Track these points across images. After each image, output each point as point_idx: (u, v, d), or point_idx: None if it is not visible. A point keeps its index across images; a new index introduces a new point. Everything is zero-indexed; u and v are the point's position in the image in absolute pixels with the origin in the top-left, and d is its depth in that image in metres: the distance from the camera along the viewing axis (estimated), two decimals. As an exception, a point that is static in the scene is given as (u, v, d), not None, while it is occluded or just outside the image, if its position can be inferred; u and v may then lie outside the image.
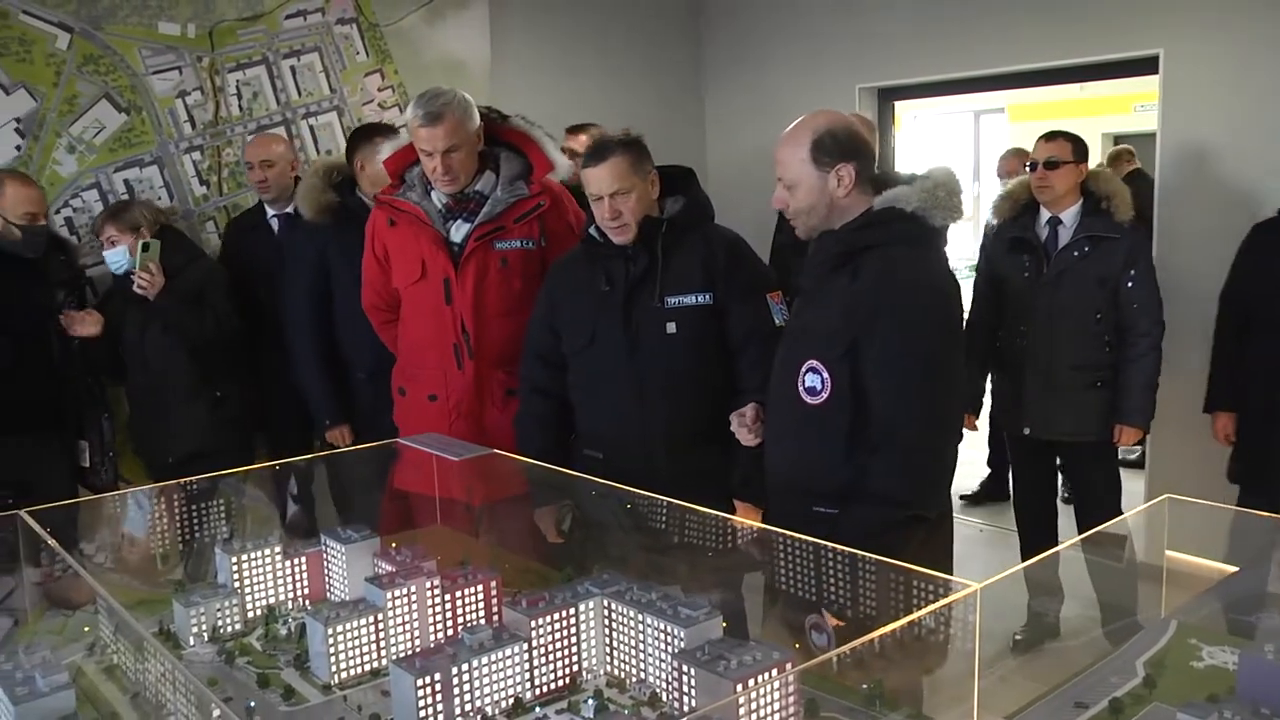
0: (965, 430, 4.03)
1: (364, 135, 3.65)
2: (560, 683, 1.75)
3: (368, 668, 1.80)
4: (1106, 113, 9.57)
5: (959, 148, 11.39)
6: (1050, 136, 3.68)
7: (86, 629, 1.98)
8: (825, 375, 2.19)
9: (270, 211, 4.06)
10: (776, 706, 1.42)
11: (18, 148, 3.86)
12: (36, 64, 3.89)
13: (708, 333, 2.66)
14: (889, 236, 2.19)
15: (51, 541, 1.92)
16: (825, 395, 2.19)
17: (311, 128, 4.53)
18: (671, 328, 2.63)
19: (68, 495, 3.36)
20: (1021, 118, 10.19)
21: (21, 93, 3.87)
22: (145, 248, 3.54)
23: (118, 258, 3.59)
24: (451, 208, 2.99)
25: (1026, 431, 3.76)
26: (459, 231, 2.98)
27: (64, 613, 2.06)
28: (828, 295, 2.24)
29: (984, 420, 4.39)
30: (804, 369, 2.23)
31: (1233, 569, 1.99)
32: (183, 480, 2.46)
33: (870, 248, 2.19)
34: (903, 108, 5.70)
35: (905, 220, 2.20)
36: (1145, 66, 4.40)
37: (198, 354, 3.66)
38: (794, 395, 2.26)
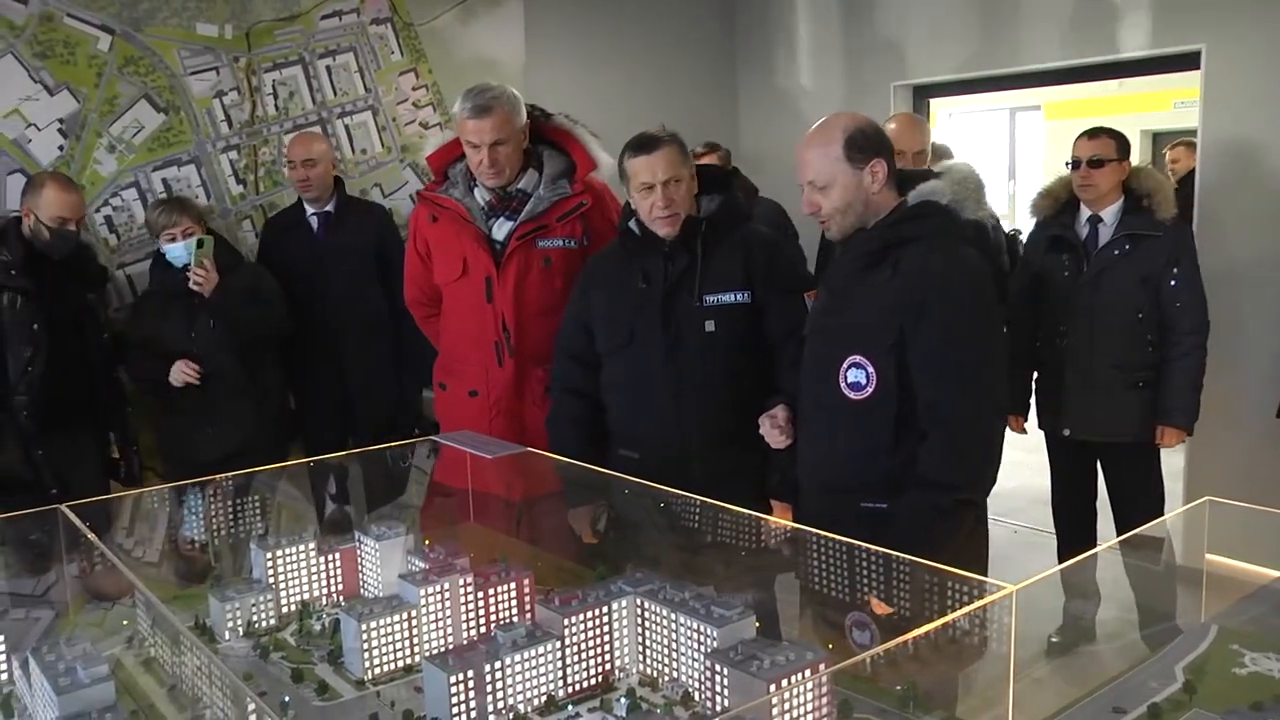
0: (1014, 433, 3.99)
1: None
2: (593, 681, 1.75)
3: (401, 664, 1.81)
4: (1145, 109, 9.44)
5: (994, 146, 11.29)
6: (1094, 134, 3.63)
7: (125, 622, 2.00)
8: (871, 370, 2.19)
9: (309, 210, 4.09)
10: (809, 707, 1.42)
11: (60, 148, 3.92)
12: (79, 65, 3.95)
13: (746, 331, 2.66)
14: (927, 230, 2.20)
15: (90, 536, 1.95)
16: (871, 390, 2.19)
17: (347, 127, 4.56)
18: (710, 326, 2.63)
19: (102, 491, 3.41)
20: (1058, 115, 10.08)
21: (65, 94, 3.93)
22: (200, 244, 3.54)
23: (182, 251, 3.59)
24: (494, 205, 3.00)
25: (1066, 433, 3.71)
26: (501, 230, 2.99)
27: (103, 605, 2.09)
28: (866, 291, 2.23)
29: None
30: (846, 365, 2.22)
31: (1276, 573, 1.95)
32: (219, 476, 2.48)
33: (907, 241, 2.20)
34: (938, 105, 5.65)
35: (941, 213, 2.22)
36: (1186, 62, 4.33)
37: (248, 351, 3.68)
38: (833, 393, 2.25)
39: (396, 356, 4.13)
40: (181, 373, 3.54)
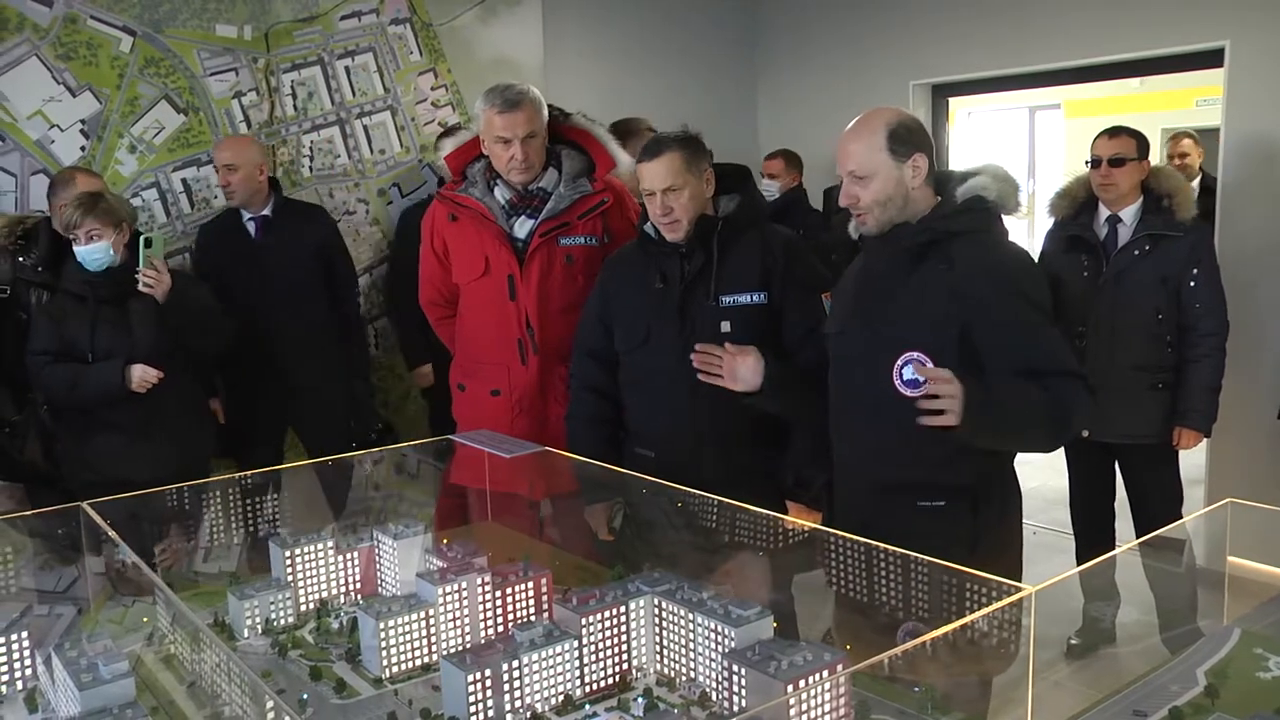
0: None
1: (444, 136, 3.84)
2: (610, 681, 1.75)
3: (419, 662, 1.82)
4: (1166, 108, 9.37)
5: (1013, 144, 11.22)
6: (1114, 132, 3.60)
7: (145, 619, 2.01)
8: (930, 365, 2.13)
9: (245, 215, 3.91)
10: (827, 708, 1.41)
11: (82, 148, 3.96)
12: (101, 67, 3.98)
13: (762, 332, 2.64)
14: (977, 224, 2.21)
15: (111, 533, 1.97)
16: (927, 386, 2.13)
17: (365, 127, 4.58)
18: (726, 326, 2.62)
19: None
20: (1078, 113, 10.01)
21: (87, 95, 3.96)
22: (148, 243, 3.21)
23: (99, 254, 3.17)
24: (515, 204, 3.01)
25: (1085, 434, 3.68)
26: (522, 228, 3.00)
27: (124, 603, 2.11)
28: (917, 285, 2.20)
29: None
30: (902, 362, 2.18)
31: (1300, 576, 1.94)
32: (238, 474, 2.50)
33: (956, 235, 2.19)
34: (957, 104, 5.62)
35: (988, 209, 2.24)
36: (1210, 60, 4.30)
37: (191, 362, 3.42)
38: (885, 391, 2.19)
39: (348, 363, 4.04)
40: (143, 376, 3.16)
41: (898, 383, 2.19)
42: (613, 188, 3.08)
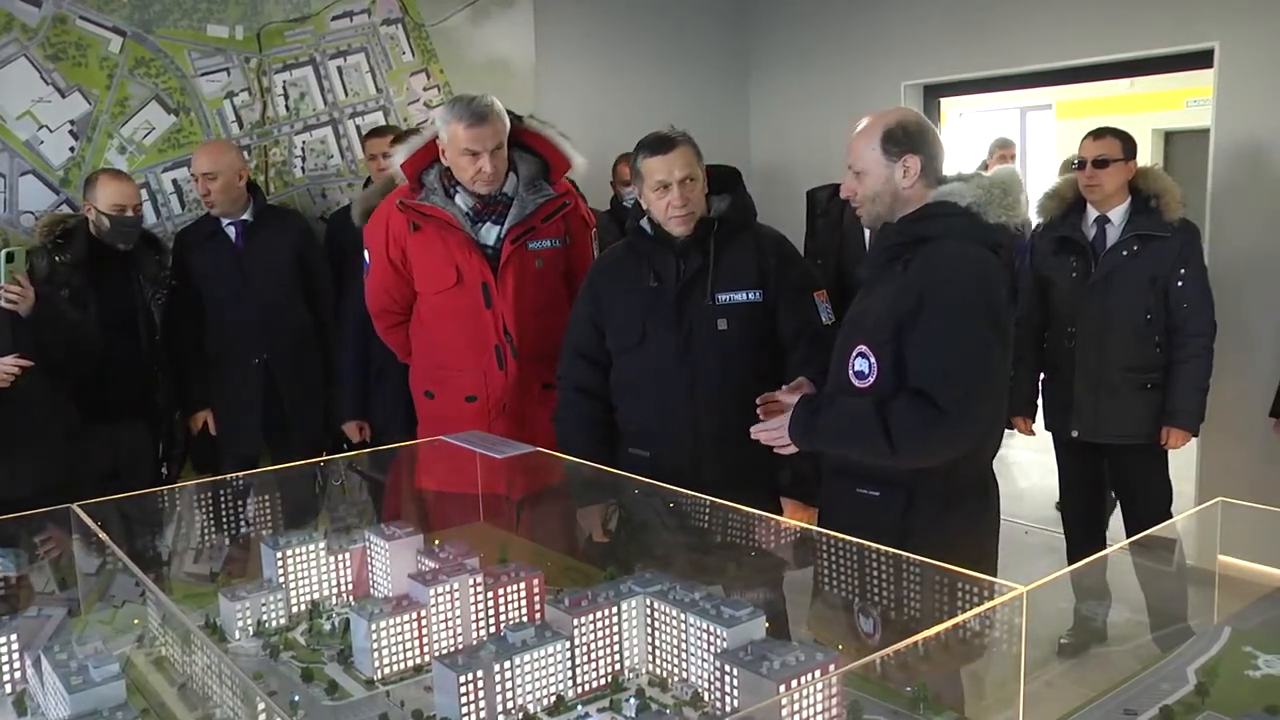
0: (1023, 435, 3.98)
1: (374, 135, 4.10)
2: (602, 681, 1.75)
3: (411, 664, 1.81)
4: (1157, 108, 9.40)
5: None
6: (1099, 134, 3.62)
7: (136, 621, 2.01)
8: (872, 360, 2.21)
9: (225, 220, 3.84)
10: (819, 708, 1.41)
11: (71, 149, 3.94)
12: (91, 68, 3.97)
13: (757, 330, 2.67)
14: (942, 229, 2.21)
15: (102, 535, 1.96)
16: (872, 380, 2.21)
17: (358, 127, 4.57)
18: (722, 325, 2.64)
19: (154, 484, 3.37)
20: (1069, 114, 10.04)
21: (76, 95, 3.95)
22: (10, 258, 3.07)
23: None
24: (479, 210, 2.99)
25: (1075, 434, 3.70)
26: (488, 234, 2.99)
27: (114, 604, 2.10)
28: (881, 284, 2.27)
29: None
30: (854, 354, 2.25)
31: (1289, 575, 1.95)
32: (230, 475, 2.50)
33: (925, 240, 2.21)
34: (948, 104, 5.63)
35: (958, 215, 2.22)
36: (1199, 60, 4.32)
37: (57, 377, 3.20)
38: (845, 382, 2.28)
39: (326, 372, 3.97)
40: (3, 368, 2.97)
41: (850, 374, 2.26)
42: (570, 189, 3.11)
